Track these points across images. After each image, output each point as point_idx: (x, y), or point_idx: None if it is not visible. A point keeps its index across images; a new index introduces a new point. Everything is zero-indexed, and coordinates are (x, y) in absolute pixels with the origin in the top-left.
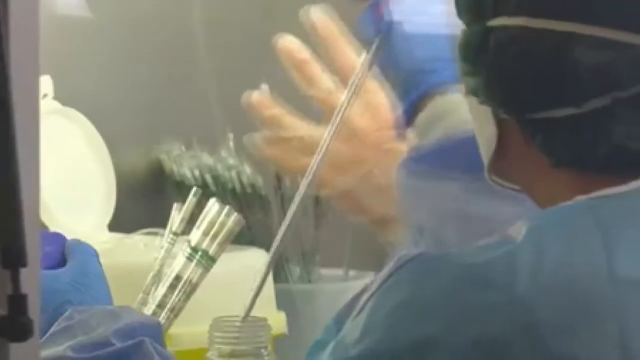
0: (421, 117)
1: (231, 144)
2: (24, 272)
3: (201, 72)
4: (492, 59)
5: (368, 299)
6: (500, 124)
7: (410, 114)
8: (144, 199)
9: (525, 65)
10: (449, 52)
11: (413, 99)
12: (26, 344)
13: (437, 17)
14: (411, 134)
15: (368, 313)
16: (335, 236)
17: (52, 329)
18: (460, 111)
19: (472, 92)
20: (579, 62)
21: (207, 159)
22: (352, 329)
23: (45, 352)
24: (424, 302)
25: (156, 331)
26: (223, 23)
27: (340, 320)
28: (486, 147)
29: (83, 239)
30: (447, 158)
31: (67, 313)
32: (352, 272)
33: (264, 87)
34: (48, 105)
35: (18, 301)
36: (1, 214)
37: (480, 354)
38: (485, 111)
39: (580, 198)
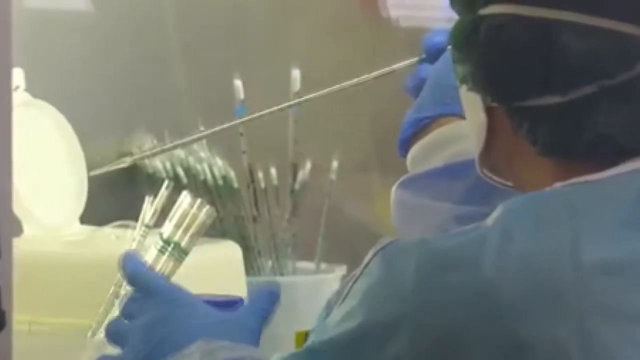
0: (431, 137)
1: None
2: None
3: (173, 65)
4: (481, 46)
5: (351, 286)
6: (490, 112)
7: (422, 126)
8: (116, 192)
9: (513, 53)
10: None
11: (431, 115)
12: None
13: (437, 11)
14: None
15: (349, 297)
16: (308, 229)
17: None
18: (464, 141)
19: (462, 80)
20: (567, 49)
21: (179, 152)
22: (336, 313)
23: None
24: (395, 284)
25: None
26: (195, 16)
27: (329, 307)
28: (476, 137)
29: (55, 231)
30: (442, 185)
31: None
32: (323, 265)
33: (237, 82)
34: (20, 97)
35: None
36: None
37: (443, 331)
38: (476, 100)
39: (557, 185)
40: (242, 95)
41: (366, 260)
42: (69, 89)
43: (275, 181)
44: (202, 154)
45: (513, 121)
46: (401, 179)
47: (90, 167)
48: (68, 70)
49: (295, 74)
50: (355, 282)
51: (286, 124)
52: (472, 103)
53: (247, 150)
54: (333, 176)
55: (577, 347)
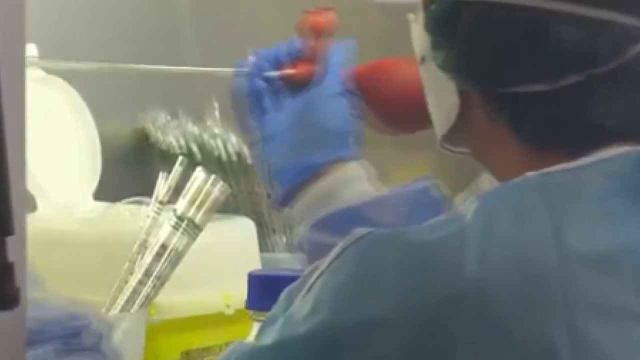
0: (325, 182)
1: (217, 113)
2: (10, 241)
3: (187, 40)
4: (464, 33)
5: (318, 277)
6: (462, 95)
7: (311, 174)
8: (129, 168)
9: (500, 42)
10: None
11: (322, 160)
12: (13, 312)
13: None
14: None
15: (317, 290)
16: None
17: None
18: (362, 181)
19: (441, 67)
20: (557, 39)
21: (193, 128)
22: (302, 306)
23: None
24: (373, 280)
25: None
26: None
27: (290, 296)
28: (444, 119)
29: (68, 208)
30: (356, 223)
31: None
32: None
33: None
34: (33, 73)
35: (5, 270)
36: None
37: (428, 331)
38: (447, 83)
39: (530, 174)
40: None
41: (337, 251)
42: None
43: None
44: (216, 130)
45: (491, 107)
46: (312, 221)
47: (103, 143)
48: (82, 47)
49: None
50: (323, 273)
51: None
52: (440, 84)
53: None
54: None
55: (566, 342)
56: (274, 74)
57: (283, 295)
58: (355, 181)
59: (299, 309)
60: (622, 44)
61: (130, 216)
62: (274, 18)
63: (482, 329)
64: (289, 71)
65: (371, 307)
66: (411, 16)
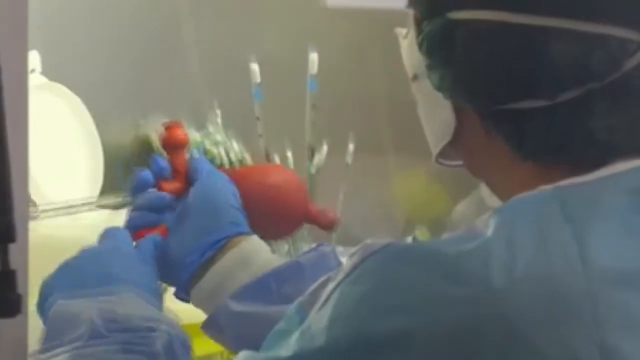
0: (227, 259)
1: (219, 120)
2: (12, 248)
3: (189, 47)
4: (459, 52)
5: (334, 289)
6: (457, 112)
7: (207, 255)
8: (132, 174)
9: (496, 59)
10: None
11: (228, 234)
12: (15, 320)
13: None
14: None
15: (335, 303)
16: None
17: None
18: (262, 252)
19: (437, 87)
20: (551, 54)
21: (195, 135)
22: (319, 319)
23: (74, 303)
24: (397, 292)
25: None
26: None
27: (302, 309)
28: (439, 136)
29: (70, 214)
30: (266, 293)
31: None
32: (340, 248)
33: (254, 65)
34: (36, 80)
35: (7, 277)
36: None
37: (454, 347)
38: (442, 101)
39: (545, 188)
40: (258, 79)
41: (354, 262)
42: (85, 72)
43: (291, 164)
44: (219, 138)
45: (488, 124)
46: (232, 293)
47: (106, 150)
48: (84, 53)
49: (313, 57)
50: (340, 284)
51: (302, 108)
52: (434, 101)
53: (264, 133)
54: (349, 159)
55: (597, 359)
56: (152, 192)
57: (293, 309)
58: (262, 251)
59: (316, 321)
60: (618, 57)
61: None
62: (275, 19)
63: (509, 345)
64: (167, 187)
65: (395, 320)
66: (400, 31)
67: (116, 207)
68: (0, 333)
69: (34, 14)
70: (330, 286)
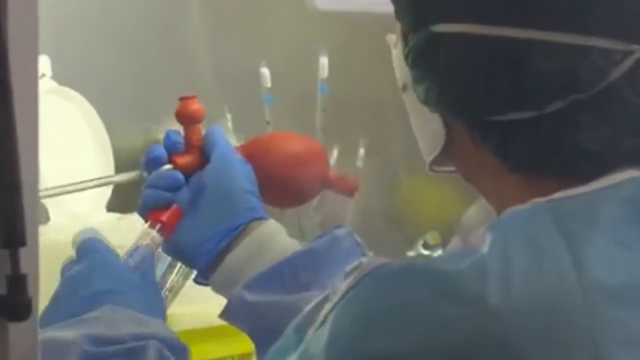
0: (243, 247)
1: (229, 124)
2: (23, 252)
3: (199, 53)
4: (444, 65)
5: (331, 310)
6: (447, 123)
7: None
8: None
9: (481, 72)
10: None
11: (244, 221)
12: (25, 323)
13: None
14: None
15: (332, 324)
16: (334, 217)
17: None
18: (278, 238)
19: (423, 100)
20: (536, 66)
21: None
22: (317, 340)
23: (60, 333)
24: (393, 313)
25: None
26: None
27: (300, 329)
28: (430, 146)
29: (81, 219)
30: (280, 282)
31: (103, 308)
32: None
33: (264, 70)
34: (46, 84)
35: (17, 281)
36: (0, 194)
37: None
38: (431, 114)
39: (538, 201)
40: (268, 84)
41: (351, 282)
42: (96, 76)
43: None
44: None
45: (475, 135)
46: (245, 282)
47: (116, 154)
48: (94, 58)
49: (323, 61)
50: (337, 304)
51: (313, 112)
52: (423, 113)
53: None
54: (359, 164)
55: None
56: (166, 168)
57: (291, 329)
58: (278, 236)
59: (314, 342)
60: (603, 68)
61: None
62: (285, 23)
63: None
64: (181, 161)
65: (392, 341)
66: (391, 38)
67: (129, 182)
68: (11, 337)
69: (45, 18)
70: (327, 307)
